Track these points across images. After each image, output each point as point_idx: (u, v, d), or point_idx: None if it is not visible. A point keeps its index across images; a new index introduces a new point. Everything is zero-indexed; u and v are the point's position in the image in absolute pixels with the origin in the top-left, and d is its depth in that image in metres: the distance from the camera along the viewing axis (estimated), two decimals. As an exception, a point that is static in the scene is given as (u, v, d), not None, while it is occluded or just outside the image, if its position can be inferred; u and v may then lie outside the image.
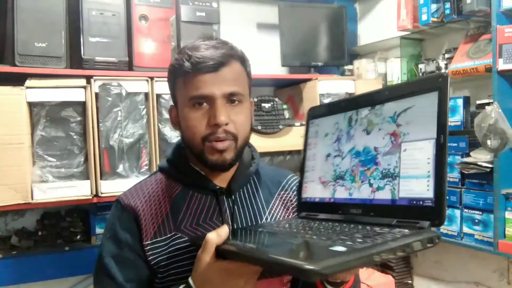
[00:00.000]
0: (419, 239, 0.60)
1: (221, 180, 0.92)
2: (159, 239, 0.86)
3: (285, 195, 1.01)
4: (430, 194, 0.65)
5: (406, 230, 0.64)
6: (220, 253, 0.71)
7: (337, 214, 0.81)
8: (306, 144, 0.93)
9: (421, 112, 0.68)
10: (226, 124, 0.83)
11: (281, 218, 0.97)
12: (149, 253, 0.85)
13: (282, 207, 0.99)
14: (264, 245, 0.73)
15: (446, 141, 0.64)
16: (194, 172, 0.91)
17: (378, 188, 0.73)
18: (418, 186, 0.67)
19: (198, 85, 0.83)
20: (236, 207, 0.92)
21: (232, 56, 0.86)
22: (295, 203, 1.00)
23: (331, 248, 0.58)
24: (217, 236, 0.71)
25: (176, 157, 0.94)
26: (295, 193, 1.01)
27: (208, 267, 0.71)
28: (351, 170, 0.80)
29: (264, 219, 0.94)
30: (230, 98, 0.85)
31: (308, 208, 0.89)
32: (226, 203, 0.91)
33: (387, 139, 0.73)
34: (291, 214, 0.99)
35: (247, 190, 0.95)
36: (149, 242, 0.85)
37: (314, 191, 0.88)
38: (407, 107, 0.71)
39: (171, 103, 0.94)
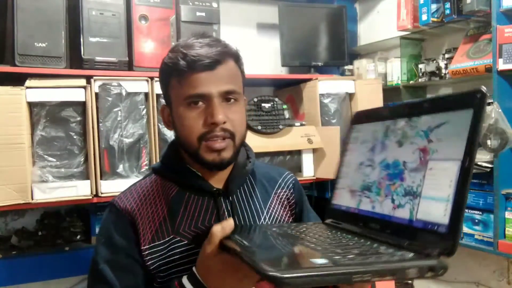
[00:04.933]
0: (417, 265, 0.55)
1: (217, 181, 0.91)
2: (157, 243, 0.84)
3: (282, 193, 1.00)
4: (445, 220, 0.59)
5: (411, 254, 0.59)
6: (223, 246, 0.73)
7: (358, 227, 0.77)
8: (345, 149, 0.88)
9: (453, 129, 0.63)
10: (224, 123, 0.83)
11: (279, 217, 0.96)
12: (148, 257, 0.83)
13: (280, 206, 0.98)
14: (260, 246, 0.73)
15: (472, 165, 0.59)
16: (190, 173, 0.89)
17: (399, 206, 0.69)
18: (436, 209, 0.61)
19: (194, 84, 0.82)
20: (234, 208, 0.91)
21: (227, 54, 0.85)
22: (293, 201, 1.00)
23: (312, 260, 0.56)
24: (221, 229, 0.73)
25: (171, 158, 0.92)
26: (291, 190, 1.01)
27: (211, 258, 0.73)
28: (378, 182, 0.76)
29: (262, 219, 0.93)
30: (226, 96, 0.84)
31: (334, 215, 0.87)
32: (224, 204, 0.90)
33: (417, 154, 0.68)
34: (289, 212, 0.99)
35: (244, 190, 0.94)
36: (147, 246, 0.84)
37: (343, 198, 0.85)
38: (441, 123, 0.65)
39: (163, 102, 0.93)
